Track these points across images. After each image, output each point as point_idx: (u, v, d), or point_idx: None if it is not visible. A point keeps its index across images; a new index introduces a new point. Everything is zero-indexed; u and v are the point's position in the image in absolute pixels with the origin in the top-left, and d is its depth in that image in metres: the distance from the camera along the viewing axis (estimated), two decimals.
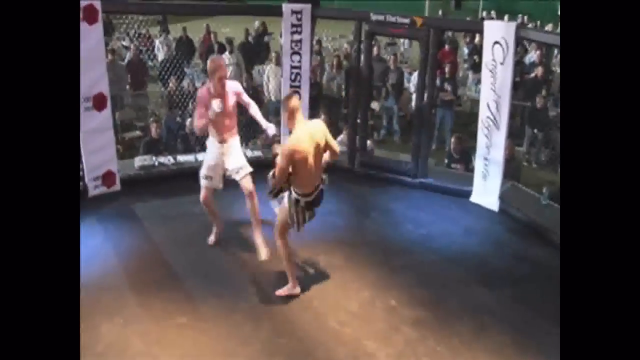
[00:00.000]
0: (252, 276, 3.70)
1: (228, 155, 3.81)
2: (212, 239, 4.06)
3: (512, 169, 5.25)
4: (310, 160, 3.13)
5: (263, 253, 3.74)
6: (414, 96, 6.62)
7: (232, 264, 3.86)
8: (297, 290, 3.47)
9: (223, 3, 14.35)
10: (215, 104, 3.55)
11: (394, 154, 6.35)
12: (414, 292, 3.59)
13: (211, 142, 3.84)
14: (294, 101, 3.16)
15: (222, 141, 3.78)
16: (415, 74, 6.69)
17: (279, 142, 4.79)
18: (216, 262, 3.87)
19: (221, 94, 3.66)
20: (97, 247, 3.96)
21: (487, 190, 4.82)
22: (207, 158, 3.87)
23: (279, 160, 3.13)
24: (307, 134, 3.13)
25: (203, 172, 3.87)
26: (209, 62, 3.69)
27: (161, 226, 4.24)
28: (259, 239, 3.81)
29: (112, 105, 4.79)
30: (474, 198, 4.96)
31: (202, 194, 3.88)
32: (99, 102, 4.55)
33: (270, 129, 3.81)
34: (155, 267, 3.77)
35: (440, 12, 15.61)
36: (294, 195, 3.24)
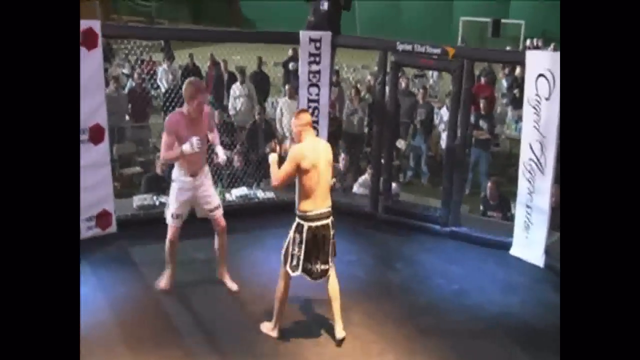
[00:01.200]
0: (259, 330, 3.75)
1: (203, 190, 3.98)
2: (167, 282, 4.16)
3: (560, 219, 5.28)
4: (317, 172, 3.41)
5: (233, 287, 4.18)
6: (444, 134, 6.78)
7: (236, 315, 3.94)
8: (274, 334, 3.67)
9: (233, 29, 14.98)
10: (196, 143, 3.70)
11: (422, 198, 6.46)
12: (444, 358, 3.60)
13: (180, 176, 3.94)
14: (307, 116, 3.57)
15: (193, 174, 3.93)
16: (445, 109, 6.86)
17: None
18: (220, 313, 3.95)
19: (196, 120, 3.83)
20: (88, 295, 4.06)
21: (530, 242, 4.86)
22: (177, 195, 3.95)
23: (285, 163, 3.47)
24: (316, 147, 3.49)
25: (173, 211, 3.99)
26: (186, 84, 3.81)
27: (160, 273, 4.34)
28: (226, 276, 4.21)
29: (110, 138, 5.02)
30: (514, 251, 5.00)
31: (171, 232, 4.03)
32: (95, 135, 4.77)
33: (220, 153, 4.02)
34: (153, 320, 3.86)
35: (459, 40, 15.93)
36: (297, 220, 3.46)
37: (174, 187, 3.98)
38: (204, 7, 23.71)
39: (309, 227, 3.40)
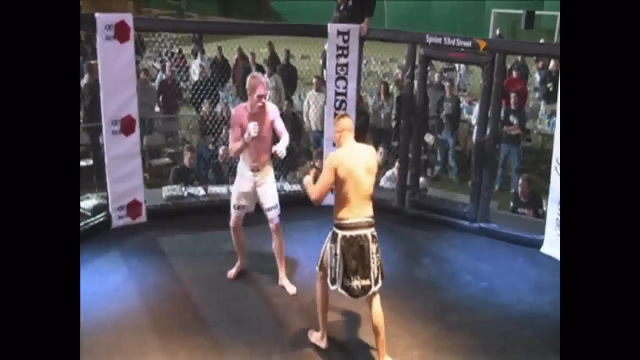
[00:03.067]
0: (288, 322, 3.78)
1: (262, 188, 4.02)
2: (233, 272, 4.25)
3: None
4: (354, 179, 3.22)
5: (291, 290, 4.12)
6: (474, 129, 6.67)
7: (266, 307, 3.96)
8: (323, 344, 3.52)
9: (262, 22, 15.04)
10: (252, 128, 3.71)
11: (450, 193, 6.36)
12: (471, 356, 3.55)
13: (243, 169, 4.04)
14: (347, 121, 3.39)
15: (255, 169, 3.98)
16: (477, 105, 6.74)
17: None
18: (248, 304, 3.98)
19: (258, 115, 3.85)
20: (119, 283, 4.16)
21: None
22: (239, 186, 4.07)
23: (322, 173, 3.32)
24: (354, 152, 3.31)
25: (235, 202, 4.10)
26: (248, 78, 3.91)
27: (189, 263, 4.40)
28: (285, 278, 4.17)
29: (140, 129, 5.10)
30: (545, 249, 4.89)
31: (232, 220, 4.12)
32: (127, 126, 4.86)
33: (281, 146, 3.80)
34: (182, 309, 3.91)
35: (497, 32, 15.57)
36: (332, 229, 3.32)
37: (237, 180, 4.11)
38: (233, 1, 23.86)
39: (343, 237, 3.23)
